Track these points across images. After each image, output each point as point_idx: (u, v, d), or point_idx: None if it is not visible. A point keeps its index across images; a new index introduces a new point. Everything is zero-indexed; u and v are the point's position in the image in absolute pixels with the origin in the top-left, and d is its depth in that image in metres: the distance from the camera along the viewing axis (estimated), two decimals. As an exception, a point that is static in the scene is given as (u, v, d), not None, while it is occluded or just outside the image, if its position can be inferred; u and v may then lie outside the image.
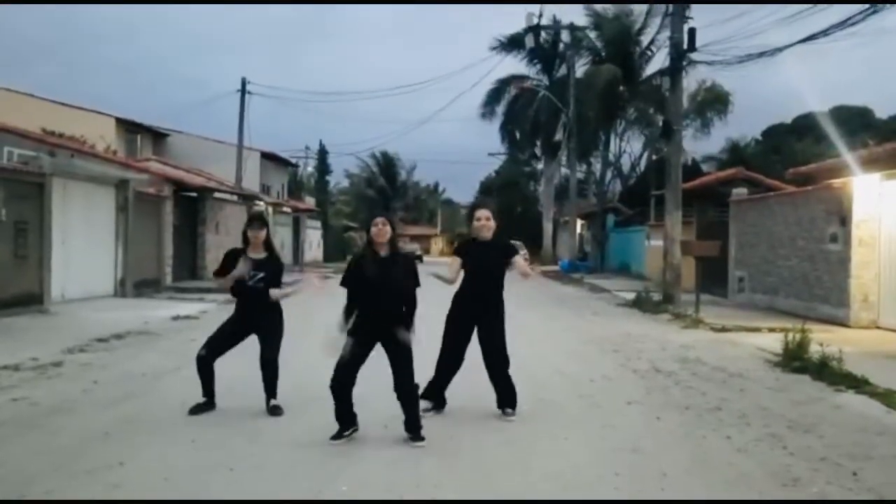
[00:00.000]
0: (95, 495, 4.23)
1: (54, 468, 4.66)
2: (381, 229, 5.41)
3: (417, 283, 5.50)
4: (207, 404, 6.17)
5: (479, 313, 6.08)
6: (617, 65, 30.55)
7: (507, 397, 6.16)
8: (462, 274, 6.16)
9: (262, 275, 6.13)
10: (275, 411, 6.12)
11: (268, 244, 6.30)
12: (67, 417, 5.92)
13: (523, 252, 6.41)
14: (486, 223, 6.09)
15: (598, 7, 32.70)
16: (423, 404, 5.89)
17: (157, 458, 4.92)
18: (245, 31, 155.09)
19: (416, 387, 5.46)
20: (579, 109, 33.27)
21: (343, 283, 5.47)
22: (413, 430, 5.35)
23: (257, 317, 6.25)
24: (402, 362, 5.35)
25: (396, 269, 5.38)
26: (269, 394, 6.22)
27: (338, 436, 5.34)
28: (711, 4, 16.80)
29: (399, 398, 5.38)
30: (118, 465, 4.70)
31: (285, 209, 35.88)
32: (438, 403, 6.21)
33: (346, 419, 5.38)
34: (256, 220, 6.35)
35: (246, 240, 6.23)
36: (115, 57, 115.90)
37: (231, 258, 6.25)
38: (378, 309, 5.37)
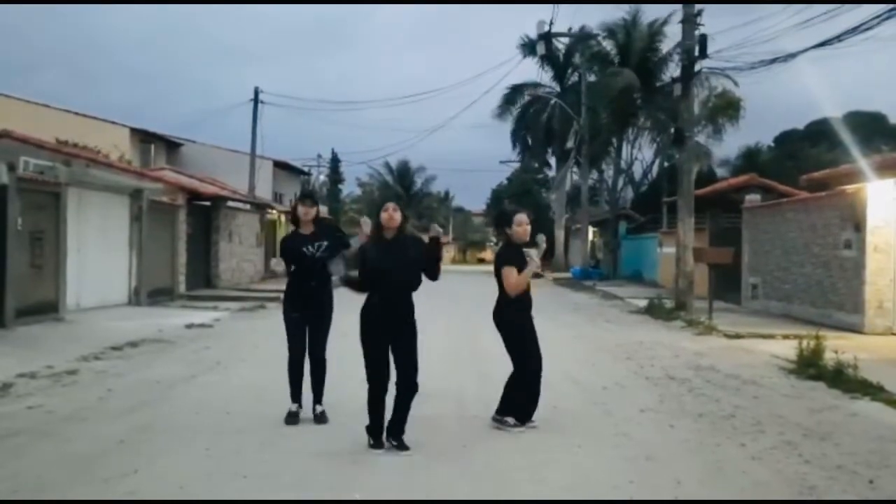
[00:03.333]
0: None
1: (69, 476, 4.70)
2: (392, 215, 5.31)
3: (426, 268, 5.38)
4: (299, 411, 6.15)
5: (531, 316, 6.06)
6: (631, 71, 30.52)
7: (512, 406, 6.08)
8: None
9: (325, 243, 6.02)
10: (320, 418, 6.07)
11: (317, 220, 6.28)
12: (82, 425, 5.97)
13: (543, 246, 6.35)
14: (526, 228, 6.04)
15: (612, 13, 32.76)
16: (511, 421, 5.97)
17: (172, 465, 4.95)
18: (260, 40, 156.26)
19: (416, 386, 5.33)
20: (592, 116, 33.24)
21: (359, 270, 5.43)
22: (397, 435, 5.33)
23: (318, 292, 6.11)
24: (406, 356, 5.31)
25: (404, 253, 5.28)
26: (315, 397, 6.16)
27: (378, 444, 5.35)
28: (724, 6, 16.77)
29: (396, 393, 5.32)
30: (133, 473, 4.73)
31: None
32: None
33: (377, 433, 5.37)
34: (308, 198, 6.32)
35: (296, 218, 6.24)
36: (127, 65, 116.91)
37: (286, 249, 6.27)
38: (385, 296, 5.28)
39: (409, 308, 5.37)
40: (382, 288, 5.29)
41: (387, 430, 5.37)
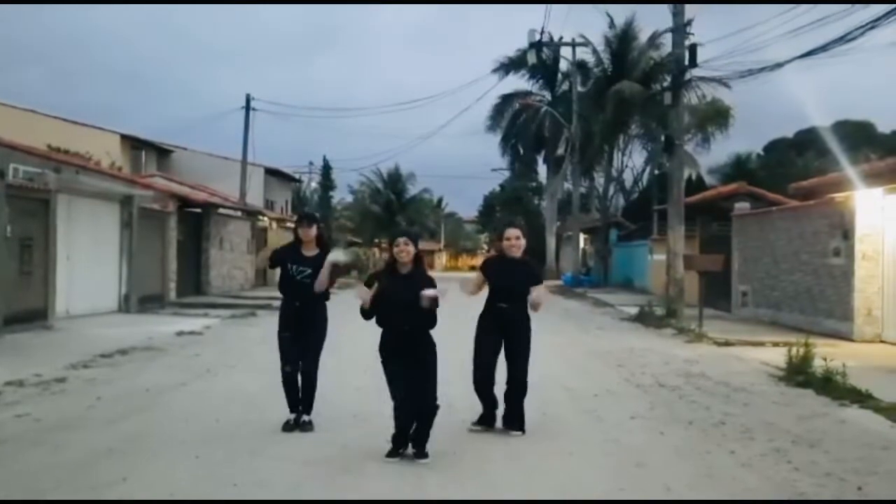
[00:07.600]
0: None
1: (58, 484, 4.67)
2: (404, 248, 5.31)
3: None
4: (298, 419, 6.14)
5: (504, 331, 6.08)
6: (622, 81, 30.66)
7: (514, 418, 6.15)
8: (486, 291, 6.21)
9: (308, 271, 6.08)
10: (304, 427, 6.07)
11: (319, 241, 6.26)
12: (71, 433, 5.93)
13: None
14: (515, 243, 6.10)
15: (604, 22, 32.88)
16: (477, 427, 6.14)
17: (162, 473, 4.93)
18: (250, 45, 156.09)
19: (437, 406, 5.34)
20: (583, 124, 33.33)
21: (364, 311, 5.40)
22: (419, 444, 5.31)
23: (305, 313, 6.15)
24: (425, 379, 5.29)
25: (418, 288, 5.22)
26: (304, 408, 6.17)
27: (393, 453, 5.30)
28: (713, 9, 16.90)
29: (418, 415, 5.30)
30: (122, 481, 4.70)
31: (289, 224, 35.97)
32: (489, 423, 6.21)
33: (402, 442, 5.35)
34: (305, 218, 6.33)
35: (298, 237, 6.23)
36: (111, 66, 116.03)
37: (276, 255, 6.36)
38: (400, 329, 5.28)
39: (426, 343, 5.35)
40: (397, 324, 5.29)
41: (410, 438, 5.34)
